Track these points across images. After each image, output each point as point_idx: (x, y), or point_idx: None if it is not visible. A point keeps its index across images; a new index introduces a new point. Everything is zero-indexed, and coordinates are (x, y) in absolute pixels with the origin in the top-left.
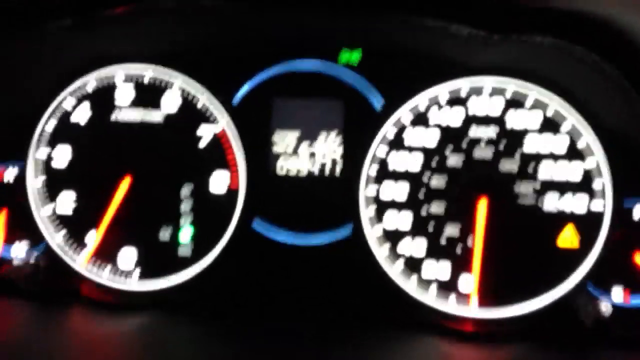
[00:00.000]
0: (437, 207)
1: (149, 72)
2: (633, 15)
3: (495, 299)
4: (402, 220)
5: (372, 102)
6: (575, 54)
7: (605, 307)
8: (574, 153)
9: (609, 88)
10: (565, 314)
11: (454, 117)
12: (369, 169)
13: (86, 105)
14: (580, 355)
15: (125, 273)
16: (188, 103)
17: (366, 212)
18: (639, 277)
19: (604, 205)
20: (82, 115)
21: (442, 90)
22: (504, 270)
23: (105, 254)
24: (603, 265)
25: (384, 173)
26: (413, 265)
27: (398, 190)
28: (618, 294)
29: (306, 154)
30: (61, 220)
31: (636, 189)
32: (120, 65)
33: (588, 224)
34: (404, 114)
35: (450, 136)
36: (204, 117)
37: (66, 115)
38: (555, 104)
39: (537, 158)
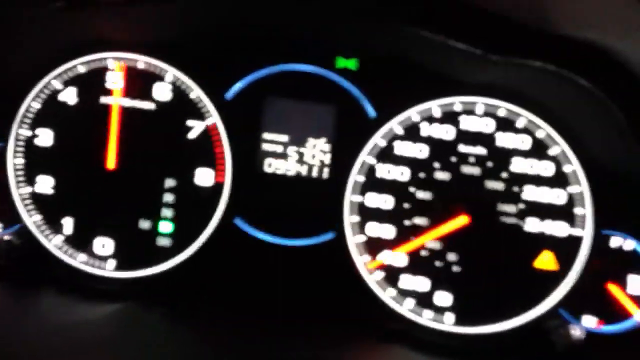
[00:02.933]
0: (421, 220)
1: (140, 62)
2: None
3: (471, 315)
4: (385, 229)
5: (366, 109)
6: (573, 82)
7: (577, 332)
8: (559, 178)
9: (604, 120)
10: (538, 336)
11: (445, 133)
12: (357, 176)
13: (74, 89)
14: None
15: (101, 259)
16: (180, 95)
17: (350, 219)
18: (611, 307)
19: (584, 233)
20: (69, 98)
21: (434, 105)
22: (481, 288)
23: (82, 239)
24: (577, 292)
25: (372, 181)
26: (392, 275)
27: (384, 200)
28: (590, 322)
29: (295, 155)
30: (38, 202)
31: (615, 221)
32: (111, 52)
33: (567, 249)
34: (395, 125)
35: (440, 151)
36: (196, 109)
37: (53, 97)
38: (546, 129)
39: (523, 179)
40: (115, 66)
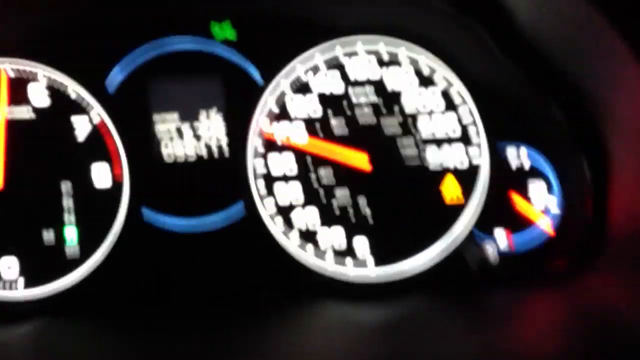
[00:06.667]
0: (325, 175)
1: (6, 65)
2: None
3: (390, 254)
4: (292, 192)
5: (252, 75)
6: (439, 10)
7: (490, 250)
8: (448, 103)
9: (473, 39)
10: (455, 262)
11: (333, 84)
12: (255, 143)
13: None
14: (471, 300)
15: (9, 282)
16: (58, 94)
17: (256, 188)
18: (517, 216)
19: (480, 151)
20: None
21: (318, 58)
22: (395, 225)
23: None
24: (485, 209)
25: (270, 146)
26: (308, 235)
27: (286, 162)
28: (500, 235)
29: (190, 136)
30: None
31: (506, 134)
32: None
33: (467, 170)
34: (284, 84)
35: (332, 103)
36: (78, 107)
37: None
38: (425, 58)
39: (416, 112)
40: None
